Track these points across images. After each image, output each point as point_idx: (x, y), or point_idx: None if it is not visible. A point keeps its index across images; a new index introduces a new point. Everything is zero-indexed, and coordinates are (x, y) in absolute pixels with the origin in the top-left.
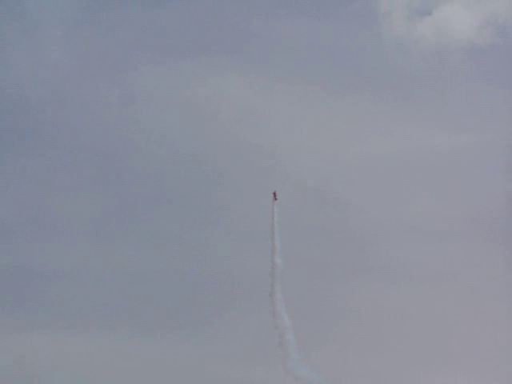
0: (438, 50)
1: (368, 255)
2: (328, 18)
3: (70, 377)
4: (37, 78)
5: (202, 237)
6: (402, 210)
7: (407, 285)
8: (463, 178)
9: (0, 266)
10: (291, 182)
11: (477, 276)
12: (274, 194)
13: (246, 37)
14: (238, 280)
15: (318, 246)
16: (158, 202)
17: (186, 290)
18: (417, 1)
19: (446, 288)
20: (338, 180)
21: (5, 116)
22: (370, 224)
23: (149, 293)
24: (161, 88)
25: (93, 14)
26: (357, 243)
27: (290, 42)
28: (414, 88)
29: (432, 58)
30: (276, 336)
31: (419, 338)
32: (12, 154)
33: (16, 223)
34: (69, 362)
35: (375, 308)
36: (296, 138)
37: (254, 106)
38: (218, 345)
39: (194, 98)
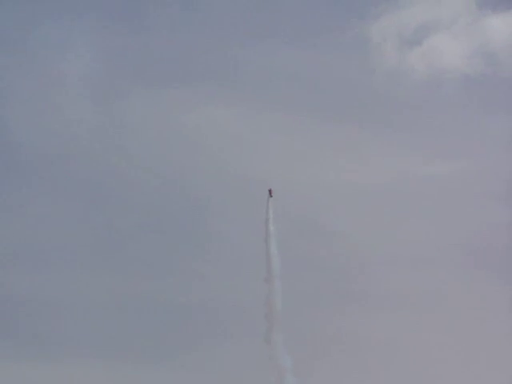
0: (428, 80)
1: (356, 283)
2: (319, 47)
3: None
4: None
5: (192, 266)
6: (390, 239)
7: (395, 313)
8: (452, 206)
9: None
10: (279, 209)
11: (466, 304)
12: (270, 191)
13: (233, 66)
14: (232, 308)
15: (306, 274)
16: (146, 231)
17: (179, 320)
18: (408, 31)
19: (435, 316)
20: (325, 208)
21: None
22: (359, 252)
23: (140, 322)
24: (148, 116)
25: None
26: (345, 271)
27: (280, 71)
28: (403, 117)
29: (422, 87)
30: (271, 364)
31: (408, 366)
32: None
33: (3, 254)
34: None
35: (362, 335)
36: (284, 167)
37: (241, 134)
38: (212, 373)
39: (181, 127)
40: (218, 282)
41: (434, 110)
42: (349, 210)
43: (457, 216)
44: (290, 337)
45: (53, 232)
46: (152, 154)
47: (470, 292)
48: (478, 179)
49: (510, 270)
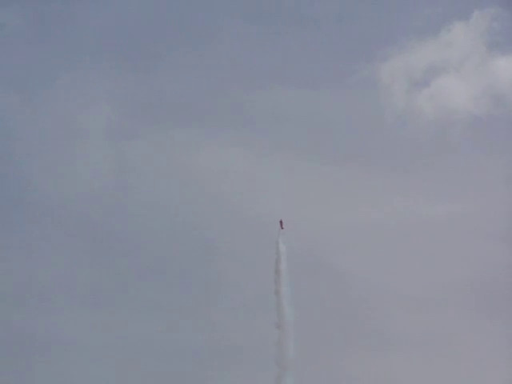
0: (437, 121)
1: (365, 323)
2: (328, 89)
3: None
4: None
5: (200, 308)
6: (399, 279)
7: (406, 353)
8: (460, 247)
9: None
10: (289, 250)
11: (475, 345)
12: (281, 222)
13: (244, 107)
14: (241, 349)
15: (315, 314)
16: (154, 272)
17: (186, 363)
18: (416, 73)
19: (446, 356)
20: (334, 249)
21: None
22: (367, 293)
23: (144, 365)
24: (157, 157)
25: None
26: (354, 312)
27: (289, 113)
28: (412, 159)
29: (430, 129)
30: None
31: None
32: (4, 223)
33: (10, 293)
34: None
35: (371, 376)
36: (293, 208)
37: (250, 176)
38: None
39: (191, 168)
40: (227, 325)
41: (442, 151)
42: (358, 250)
43: (466, 257)
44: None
45: (58, 272)
46: (161, 195)
47: (476, 332)
48: (485, 220)
49: None
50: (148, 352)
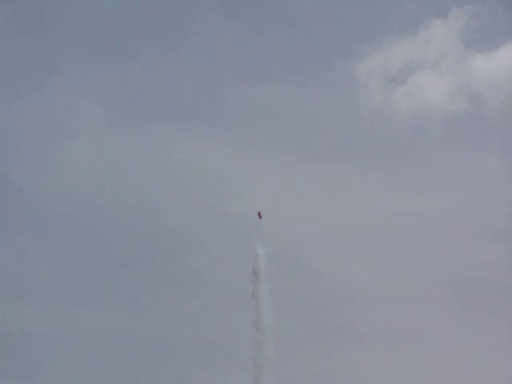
0: (413, 118)
1: (340, 320)
2: (305, 85)
3: None
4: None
5: (178, 304)
6: (377, 275)
7: (383, 350)
8: (437, 243)
9: None
10: (266, 247)
11: (454, 341)
12: (259, 213)
13: (219, 103)
14: (218, 346)
15: (291, 311)
16: (131, 270)
17: (165, 360)
18: (393, 70)
19: (423, 353)
20: (311, 245)
21: None
22: (345, 289)
23: (125, 361)
24: (133, 153)
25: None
26: (331, 309)
27: (266, 109)
28: (388, 155)
29: (407, 125)
30: None
31: None
32: None
33: None
34: None
35: (346, 372)
36: (269, 204)
37: (227, 172)
38: None
39: (166, 164)
40: (204, 322)
41: (418, 147)
42: (335, 246)
43: (442, 253)
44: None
45: (39, 270)
46: (137, 191)
47: (458, 329)
48: (463, 216)
49: (499, 307)
50: (124, 348)
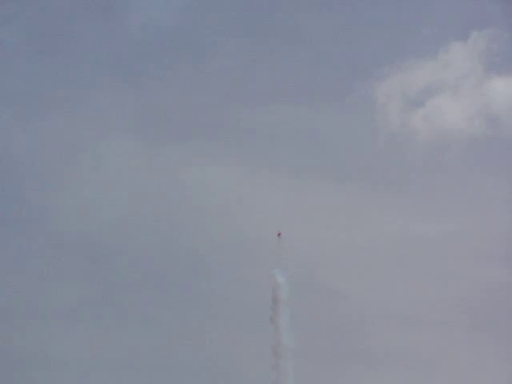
0: (431, 141)
1: (356, 342)
2: (324, 108)
3: None
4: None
5: (194, 324)
6: (389, 298)
7: (395, 371)
8: (454, 266)
9: None
10: (280, 268)
11: (465, 363)
12: (279, 233)
13: (238, 124)
14: (235, 366)
15: (307, 333)
16: (148, 289)
17: (179, 378)
18: (412, 92)
19: (435, 374)
20: (327, 267)
21: None
22: (358, 311)
23: (138, 379)
24: (149, 174)
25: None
26: (345, 330)
27: (284, 131)
28: (406, 178)
29: (425, 148)
30: None
31: None
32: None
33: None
34: None
35: None
36: (285, 226)
37: (243, 193)
38: None
39: (181, 184)
40: (220, 341)
41: (436, 170)
42: (351, 268)
43: (458, 276)
44: None
45: (50, 289)
46: (151, 211)
47: (469, 351)
48: (480, 240)
49: (507, 329)
50: (140, 367)
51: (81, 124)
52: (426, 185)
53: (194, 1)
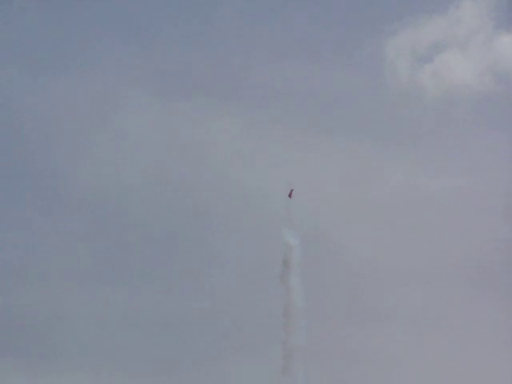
0: (439, 97)
1: (368, 300)
2: (333, 63)
3: None
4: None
5: (200, 279)
6: (396, 253)
7: (399, 327)
8: (462, 222)
9: None
10: (285, 224)
11: (469, 320)
12: (290, 192)
13: (245, 80)
14: (244, 325)
15: (312, 290)
16: (150, 244)
17: (184, 334)
18: (421, 48)
19: (439, 331)
20: (333, 223)
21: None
22: (364, 266)
23: (142, 336)
24: (152, 129)
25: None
26: (350, 286)
27: (291, 86)
28: (414, 133)
29: (433, 104)
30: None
31: (414, 379)
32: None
33: (6, 266)
34: None
35: (364, 351)
36: (294, 181)
37: (250, 149)
38: None
39: (187, 140)
40: (226, 295)
41: (444, 126)
42: (355, 224)
43: (465, 232)
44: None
45: (54, 244)
46: (157, 167)
47: (473, 308)
48: (487, 195)
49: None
50: (148, 324)
51: (88, 80)
52: (435, 140)
53: None
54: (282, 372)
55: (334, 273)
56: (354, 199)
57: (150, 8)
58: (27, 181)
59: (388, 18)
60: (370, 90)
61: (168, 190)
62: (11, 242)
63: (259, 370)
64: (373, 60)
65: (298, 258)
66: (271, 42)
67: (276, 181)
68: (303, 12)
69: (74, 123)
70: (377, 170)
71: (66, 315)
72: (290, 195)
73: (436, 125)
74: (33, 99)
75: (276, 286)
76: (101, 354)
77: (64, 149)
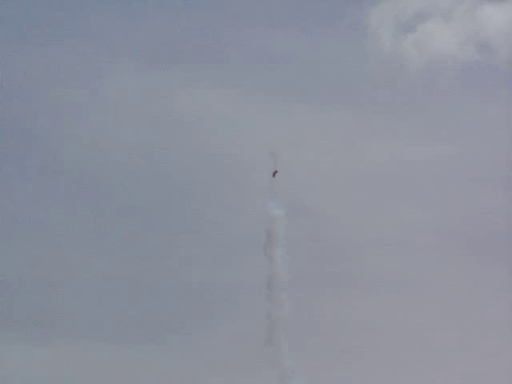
0: (422, 66)
1: (348, 269)
2: (314, 32)
3: None
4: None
5: (184, 249)
6: (380, 223)
7: (384, 297)
8: (444, 191)
9: None
10: (267, 192)
11: (456, 289)
12: (275, 172)
13: (227, 47)
14: (227, 296)
15: (296, 261)
16: (136, 213)
17: (170, 302)
18: (404, 16)
19: (425, 300)
20: (314, 191)
21: None
22: (347, 236)
23: (130, 304)
24: (133, 97)
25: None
26: (333, 255)
27: (272, 55)
28: (397, 102)
29: (416, 73)
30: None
31: (398, 351)
32: None
33: None
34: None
35: (355, 323)
36: (277, 150)
37: (230, 116)
38: (206, 357)
39: (167, 108)
40: (210, 266)
41: (427, 95)
42: (338, 193)
43: (449, 200)
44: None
45: (41, 213)
46: (137, 135)
47: (460, 277)
48: (470, 164)
49: (500, 255)
50: (130, 290)
51: (73, 48)
52: (417, 109)
53: None
54: (266, 343)
55: (319, 244)
56: (340, 168)
57: None
58: (10, 149)
59: None
60: (353, 58)
61: (152, 159)
62: None
63: (243, 341)
64: (356, 29)
65: (283, 229)
66: (256, 11)
67: (261, 150)
68: None
69: (59, 91)
70: (362, 139)
71: (53, 282)
72: (273, 175)
73: (419, 93)
74: (17, 67)
75: (260, 257)
76: (88, 323)
77: (49, 117)
